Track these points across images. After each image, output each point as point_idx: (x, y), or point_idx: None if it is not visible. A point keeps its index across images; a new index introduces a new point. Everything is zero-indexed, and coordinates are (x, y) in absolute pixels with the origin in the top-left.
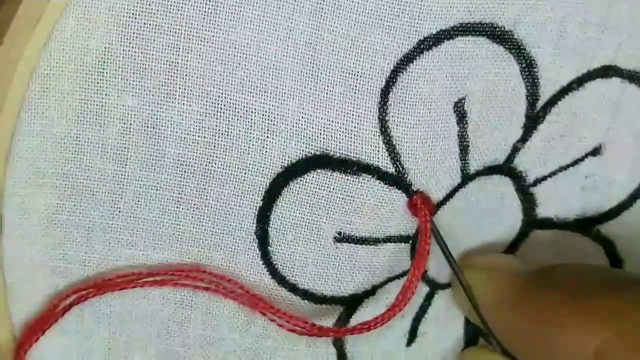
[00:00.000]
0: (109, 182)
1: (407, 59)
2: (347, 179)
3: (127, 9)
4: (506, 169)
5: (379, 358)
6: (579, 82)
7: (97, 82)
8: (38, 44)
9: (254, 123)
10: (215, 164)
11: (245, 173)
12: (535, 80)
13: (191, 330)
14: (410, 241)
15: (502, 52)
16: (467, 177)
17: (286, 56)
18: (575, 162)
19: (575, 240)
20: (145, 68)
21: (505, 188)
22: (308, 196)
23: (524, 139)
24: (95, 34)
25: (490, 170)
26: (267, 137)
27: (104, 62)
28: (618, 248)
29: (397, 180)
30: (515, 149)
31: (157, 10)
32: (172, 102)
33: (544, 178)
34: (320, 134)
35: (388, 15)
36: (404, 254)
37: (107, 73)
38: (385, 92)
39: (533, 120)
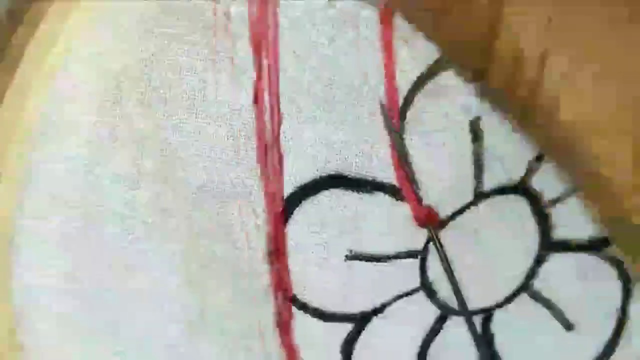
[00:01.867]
0: (121, 205)
1: (423, 78)
2: (360, 197)
3: (145, 31)
4: (522, 189)
5: None
6: None
7: (112, 105)
8: (56, 65)
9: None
10: (228, 185)
11: (259, 193)
12: None
13: (202, 351)
14: (419, 257)
15: None
16: (481, 195)
17: (304, 78)
18: None
19: (590, 263)
20: (161, 92)
21: (522, 209)
22: (320, 215)
23: (538, 158)
24: (113, 56)
25: (505, 189)
26: (283, 158)
27: (120, 84)
28: (629, 268)
29: None
30: (530, 169)
31: (175, 35)
32: (189, 125)
33: (559, 199)
34: (336, 154)
35: (404, 35)
36: (413, 271)
37: (122, 96)
38: (402, 112)
39: None
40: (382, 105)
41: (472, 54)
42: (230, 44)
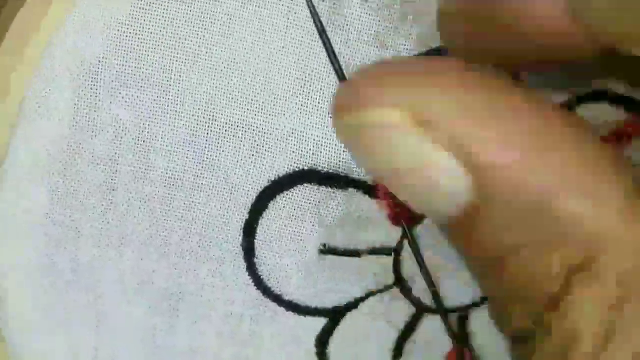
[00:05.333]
0: (98, 191)
1: None
2: (334, 193)
3: (124, 23)
4: None
5: None
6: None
7: (92, 92)
8: (37, 50)
9: (244, 138)
10: (204, 177)
11: (232, 187)
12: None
13: (177, 341)
14: (393, 254)
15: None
16: None
17: (278, 73)
18: None
19: None
20: (139, 81)
21: None
22: (294, 209)
23: None
24: (93, 44)
25: None
26: (257, 152)
27: (98, 73)
28: None
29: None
30: None
31: (153, 26)
32: (164, 115)
33: None
34: (310, 149)
35: (379, 32)
36: (388, 268)
37: (101, 83)
38: None
39: None
40: None
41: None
42: None
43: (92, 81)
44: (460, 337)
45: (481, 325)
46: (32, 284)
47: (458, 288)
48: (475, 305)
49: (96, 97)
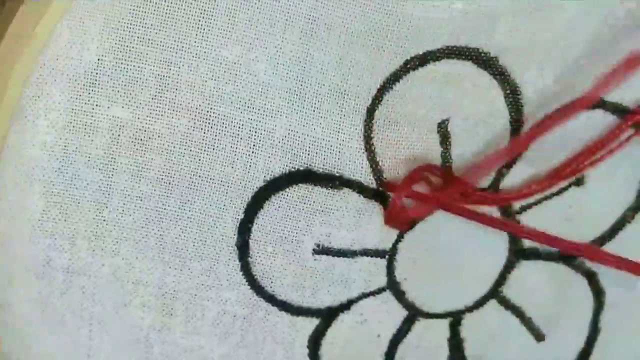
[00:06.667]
0: (95, 191)
1: (393, 78)
2: (328, 193)
3: (122, 22)
4: None
5: None
6: None
7: (89, 93)
8: (33, 52)
9: (241, 138)
10: (199, 176)
11: (228, 186)
12: (520, 107)
13: (171, 340)
14: (387, 256)
15: (487, 77)
16: None
17: (275, 73)
18: (560, 192)
19: (560, 271)
20: (137, 81)
21: (490, 214)
22: (289, 209)
23: (508, 164)
24: (90, 45)
25: None
26: (253, 152)
27: (96, 73)
28: (600, 279)
29: (378, 194)
30: (499, 174)
31: (151, 25)
32: (162, 115)
33: (529, 206)
34: (306, 150)
35: (376, 35)
36: (380, 270)
37: (98, 84)
38: (371, 110)
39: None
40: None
41: None
42: None
43: (89, 82)
44: (453, 344)
45: (474, 332)
46: (28, 286)
47: (449, 293)
48: (467, 310)
49: (93, 98)
